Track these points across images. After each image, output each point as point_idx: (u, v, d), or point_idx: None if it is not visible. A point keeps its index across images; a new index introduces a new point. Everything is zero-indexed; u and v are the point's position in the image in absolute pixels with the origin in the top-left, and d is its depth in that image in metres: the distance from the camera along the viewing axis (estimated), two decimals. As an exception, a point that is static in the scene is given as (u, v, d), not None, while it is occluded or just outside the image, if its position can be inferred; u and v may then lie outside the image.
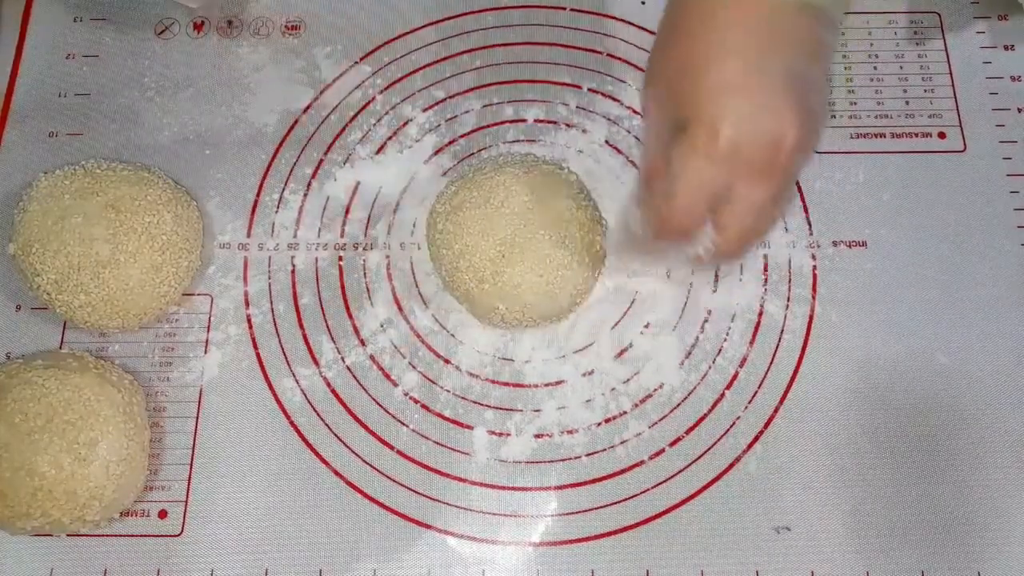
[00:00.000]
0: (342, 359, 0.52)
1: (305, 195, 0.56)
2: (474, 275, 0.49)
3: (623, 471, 0.50)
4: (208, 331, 0.53)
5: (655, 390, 0.51)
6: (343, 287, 0.54)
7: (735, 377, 0.51)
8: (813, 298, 0.53)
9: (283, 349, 0.52)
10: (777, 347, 0.52)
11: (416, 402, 0.51)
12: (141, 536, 0.49)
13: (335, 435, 0.51)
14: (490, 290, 0.49)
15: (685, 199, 0.41)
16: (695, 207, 0.41)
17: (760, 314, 0.53)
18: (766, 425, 0.50)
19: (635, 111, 0.57)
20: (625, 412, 0.51)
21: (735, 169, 0.40)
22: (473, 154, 0.56)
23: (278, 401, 0.51)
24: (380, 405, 0.51)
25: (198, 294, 0.54)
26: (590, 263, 0.51)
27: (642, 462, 0.50)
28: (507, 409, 0.51)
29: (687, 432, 0.50)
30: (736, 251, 0.43)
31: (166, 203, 0.52)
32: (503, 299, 0.49)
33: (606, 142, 0.57)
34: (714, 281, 0.53)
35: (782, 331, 0.52)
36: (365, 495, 0.49)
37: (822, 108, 0.42)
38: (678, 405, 0.51)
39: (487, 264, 0.49)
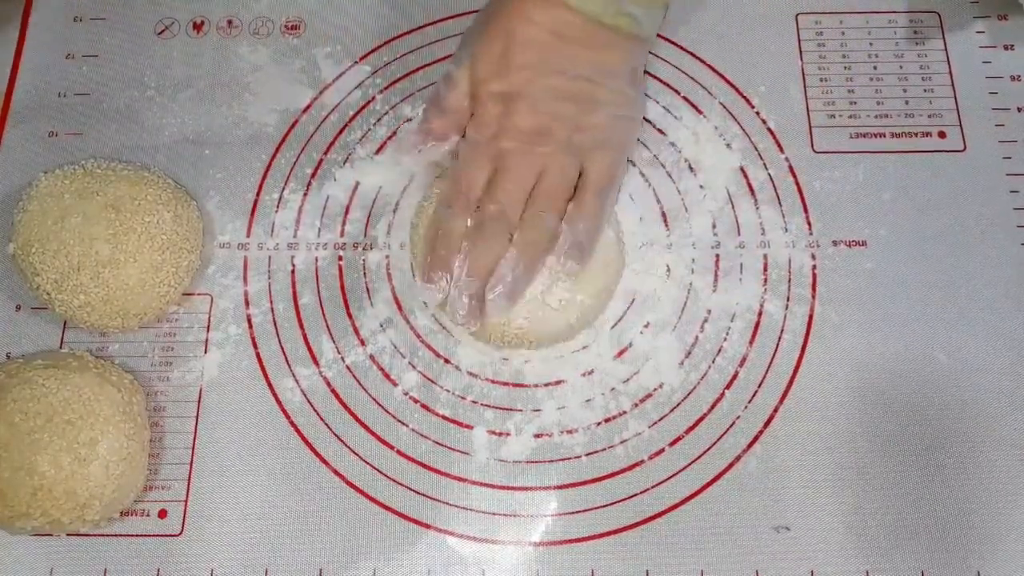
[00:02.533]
0: (342, 359, 0.52)
1: (305, 195, 0.56)
2: None
3: (623, 471, 0.50)
4: (208, 331, 0.53)
5: (655, 390, 0.51)
6: (343, 287, 0.54)
7: (735, 377, 0.51)
8: (813, 298, 0.53)
9: (283, 349, 0.52)
10: (777, 347, 0.52)
11: (416, 402, 0.51)
12: (141, 536, 0.49)
13: (335, 435, 0.51)
14: None
15: (464, 173, 0.50)
16: (472, 180, 0.49)
17: (760, 314, 0.53)
18: (766, 425, 0.50)
19: (635, 111, 0.57)
20: (625, 412, 0.51)
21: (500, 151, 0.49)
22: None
23: (278, 401, 0.51)
24: (380, 405, 0.51)
25: (198, 294, 0.54)
26: (603, 278, 0.50)
27: (642, 462, 0.50)
28: (507, 409, 0.51)
29: (687, 432, 0.50)
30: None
31: (166, 203, 0.52)
32: (503, 318, 0.49)
33: (606, 142, 0.57)
34: (714, 281, 0.53)
35: (782, 331, 0.52)
36: (365, 495, 0.49)
37: (587, 115, 0.50)
38: (678, 405, 0.51)
39: None
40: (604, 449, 0.50)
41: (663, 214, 0.55)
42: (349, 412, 0.51)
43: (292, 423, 0.51)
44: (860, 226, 0.54)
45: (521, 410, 0.51)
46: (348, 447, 0.50)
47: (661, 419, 0.51)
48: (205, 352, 0.52)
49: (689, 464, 0.50)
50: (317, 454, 0.50)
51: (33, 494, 0.45)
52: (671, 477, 0.49)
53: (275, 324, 0.53)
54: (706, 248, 0.54)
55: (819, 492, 0.49)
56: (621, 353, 0.52)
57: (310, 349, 0.52)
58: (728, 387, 0.51)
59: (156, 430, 0.50)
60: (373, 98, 0.58)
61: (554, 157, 0.49)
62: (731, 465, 0.50)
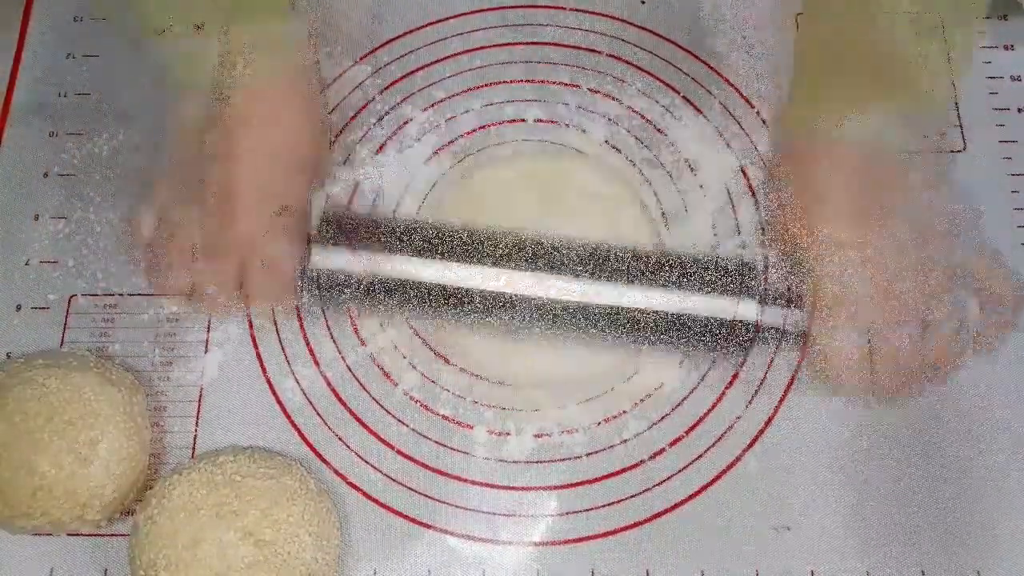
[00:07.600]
0: (342, 358, 0.52)
1: (305, 195, 0.56)
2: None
3: (623, 471, 0.50)
4: (208, 331, 0.53)
5: (655, 389, 0.51)
6: (343, 287, 0.54)
7: (735, 377, 0.51)
8: (813, 298, 0.53)
9: (283, 349, 0.52)
10: (777, 346, 0.52)
11: (416, 402, 0.51)
12: (141, 536, 0.49)
13: (335, 435, 0.51)
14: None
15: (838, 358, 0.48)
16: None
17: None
18: (766, 425, 0.50)
19: (635, 111, 0.57)
20: (625, 412, 0.51)
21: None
22: (472, 154, 0.56)
23: (278, 401, 0.51)
24: (380, 405, 0.51)
25: (198, 294, 0.54)
26: None
27: (642, 462, 0.50)
28: (507, 409, 0.51)
29: (687, 432, 0.50)
30: (893, 390, 0.49)
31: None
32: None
33: (606, 142, 0.57)
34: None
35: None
36: (365, 495, 0.49)
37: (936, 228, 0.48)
38: (678, 405, 0.51)
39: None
40: (604, 449, 0.50)
41: (663, 214, 0.55)
42: (349, 412, 0.51)
43: (292, 423, 0.51)
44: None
45: (521, 410, 0.51)
46: (348, 447, 0.50)
47: (661, 419, 0.51)
48: (205, 352, 0.52)
49: (689, 464, 0.50)
50: (317, 454, 0.50)
51: (33, 494, 0.44)
52: (671, 477, 0.49)
53: (275, 324, 0.53)
54: (706, 248, 0.54)
55: (819, 492, 0.49)
56: (621, 353, 0.52)
57: (310, 349, 0.52)
58: (728, 387, 0.51)
59: (156, 430, 0.50)
60: (373, 98, 0.58)
61: None
62: (731, 465, 0.50)
